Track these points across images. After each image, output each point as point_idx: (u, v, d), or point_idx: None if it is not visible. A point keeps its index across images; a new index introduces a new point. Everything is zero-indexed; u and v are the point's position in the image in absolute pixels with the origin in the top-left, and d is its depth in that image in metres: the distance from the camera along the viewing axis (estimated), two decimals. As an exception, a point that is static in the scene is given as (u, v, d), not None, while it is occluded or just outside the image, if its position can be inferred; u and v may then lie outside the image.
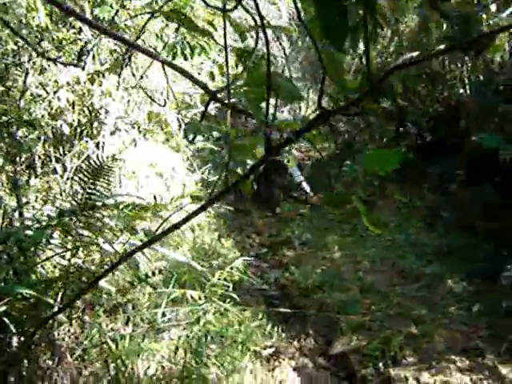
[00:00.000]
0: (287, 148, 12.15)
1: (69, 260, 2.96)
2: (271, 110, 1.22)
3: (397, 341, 5.41)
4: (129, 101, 6.17)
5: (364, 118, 12.18)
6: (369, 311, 6.20)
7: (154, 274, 3.45)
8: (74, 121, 5.52)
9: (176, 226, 1.35)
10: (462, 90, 10.62)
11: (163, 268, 3.98)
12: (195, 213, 1.30)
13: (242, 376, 4.48)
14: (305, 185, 11.47)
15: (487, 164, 7.55)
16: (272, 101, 1.17)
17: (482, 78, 10.03)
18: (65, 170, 5.53)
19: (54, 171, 5.61)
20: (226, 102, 1.18)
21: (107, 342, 3.22)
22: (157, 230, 1.55)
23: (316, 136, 1.25)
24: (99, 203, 2.87)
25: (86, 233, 2.87)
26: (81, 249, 3.04)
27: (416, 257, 7.64)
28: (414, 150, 11.21)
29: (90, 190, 2.99)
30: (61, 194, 5.18)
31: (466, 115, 9.83)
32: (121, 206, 2.82)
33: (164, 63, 1.42)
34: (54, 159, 5.70)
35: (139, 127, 5.85)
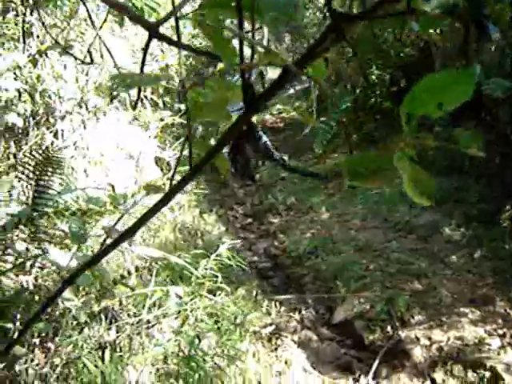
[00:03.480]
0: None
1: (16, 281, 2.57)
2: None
3: (402, 300, 5.13)
4: (87, 81, 5.76)
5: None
6: (368, 271, 5.90)
7: (129, 273, 3.08)
8: (26, 110, 5.06)
9: (129, 232, 0.96)
10: (431, 30, 10.23)
11: (141, 265, 3.58)
12: (154, 209, 0.91)
13: (245, 361, 4.13)
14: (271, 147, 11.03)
15: (471, 100, 7.22)
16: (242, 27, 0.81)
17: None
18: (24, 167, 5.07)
19: (13, 168, 5.15)
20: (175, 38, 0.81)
21: (81, 359, 2.83)
22: (105, 240, 1.19)
23: (320, 66, 0.86)
24: (49, 204, 2.47)
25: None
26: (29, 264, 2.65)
27: (407, 208, 7.33)
28: (390, 97, 10.88)
29: (38, 188, 2.59)
30: (23, 192, 4.72)
31: (438, 55, 9.48)
32: (67, 214, 2.41)
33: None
34: (11, 156, 5.24)
35: (87, 106, 5.40)
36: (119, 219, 1.65)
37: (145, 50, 0.88)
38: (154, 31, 0.79)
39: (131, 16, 0.84)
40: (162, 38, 0.82)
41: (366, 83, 11.00)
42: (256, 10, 0.73)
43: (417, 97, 0.72)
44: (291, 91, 15.67)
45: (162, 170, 8.16)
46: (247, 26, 0.85)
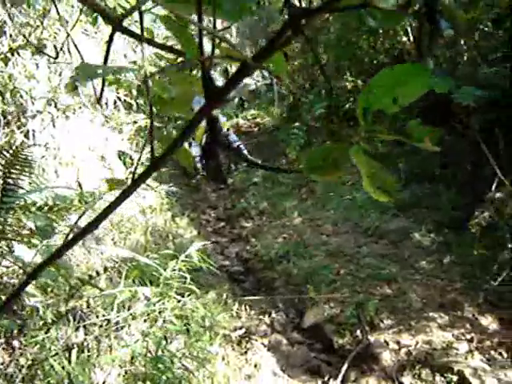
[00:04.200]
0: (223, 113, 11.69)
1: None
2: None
3: (371, 304, 5.16)
4: (60, 81, 5.71)
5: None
6: (338, 276, 5.93)
7: (98, 273, 3.05)
8: (-5, 110, 5.01)
9: (92, 224, 0.96)
10: (405, 38, 10.34)
11: (111, 265, 3.55)
12: (116, 201, 0.91)
13: (214, 364, 4.12)
14: (245, 151, 11.01)
15: (441, 109, 7.29)
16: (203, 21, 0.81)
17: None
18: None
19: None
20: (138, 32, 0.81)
21: (47, 359, 2.80)
22: (68, 235, 1.19)
23: (280, 62, 0.88)
24: (18, 202, 2.45)
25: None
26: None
27: (379, 213, 7.38)
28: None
29: (7, 186, 2.56)
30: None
31: (411, 62, 9.55)
32: (33, 209, 2.39)
33: None
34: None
35: (56, 104, 5.35)
36: (82, 214, 1.64)
37: (109, 42, 0.88)
38: (117, 25, 0.80)
39: (96, 9, 0.84)
40: (126, 31, 0.82)
41: (329, 88, 11.06)
42: (216, 4, 0.74)
43: (372, 91, 0.73)
44: (253, 86, 15.71)
45: (124, 164, 8.09)
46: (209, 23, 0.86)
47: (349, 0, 0.63)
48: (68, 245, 1.07)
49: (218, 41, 0.80)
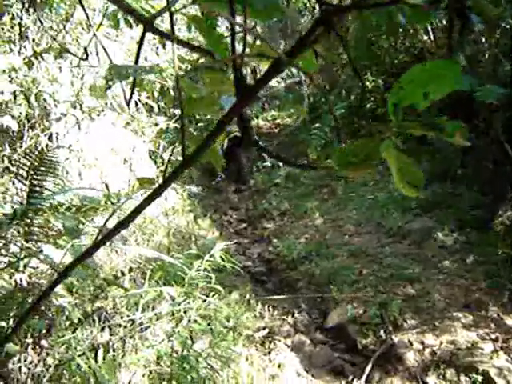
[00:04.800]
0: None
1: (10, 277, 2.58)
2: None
3: (395, 304, 5.14)
4: (82, 84, 5.76)
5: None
6: (361, 276, 5.91)
7: (123, 274, 3.08)
8: (21, 113, 5.06)
9: (122, 224, 0.97)
10: (426, 37, 10.26)
11: (135, 265, 3.58)
12: (147, 200, 0.92)
13: (238, 364, 4.12)
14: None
15: (464, 107, 7.23)
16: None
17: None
18: (18, 168, 5.05)
19: (7, 171, 5.14)
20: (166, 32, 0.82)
21: (74, 359, 2.82)
22: (97, 236, 1.21)
23: (311, 59, 0.88)
24: (44, 203, 2.48)
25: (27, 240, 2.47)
26: (23, 263, 2.64)
27: (401, 213, 7.34)
28: (384, 103, 10.89)
29: (33, 188, 2.60)
30: (17, 194, 4.71)
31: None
32: (61, 209, 2.42)
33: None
34: (5, 158, 5.22)
35: (81, 106, 5.39)
36: (112, 214, 1.65)
37: (139, 43, 0.89)
38: (149, 25, 0.81)
39: (127, 10, 0.85)
40: (157, 31, 0.84)
41: (361, 87, 11.01)
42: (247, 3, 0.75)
43: (403, 87, 0.73)
44: (282, 85, 15.69)
45: (155, 163, 8.17)
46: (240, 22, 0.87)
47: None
48: (98, 244, 1.08)
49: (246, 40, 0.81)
